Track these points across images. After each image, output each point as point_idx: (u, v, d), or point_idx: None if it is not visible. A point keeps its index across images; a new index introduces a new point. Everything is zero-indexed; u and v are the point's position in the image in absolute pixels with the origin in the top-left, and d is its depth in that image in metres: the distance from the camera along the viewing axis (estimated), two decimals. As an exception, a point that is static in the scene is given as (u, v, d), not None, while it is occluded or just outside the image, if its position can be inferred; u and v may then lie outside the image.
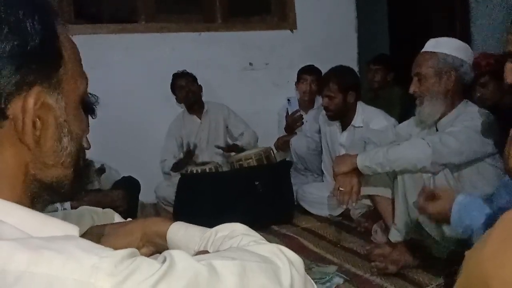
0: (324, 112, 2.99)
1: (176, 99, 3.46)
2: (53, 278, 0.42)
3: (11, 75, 0.48)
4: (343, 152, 2.89)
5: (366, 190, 2.31)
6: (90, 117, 1.73)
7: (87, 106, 1.58)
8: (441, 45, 2.06)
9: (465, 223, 1.34)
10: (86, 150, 0.61)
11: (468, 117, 1.99)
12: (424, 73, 2.04)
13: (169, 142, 3.46)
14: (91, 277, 0.42)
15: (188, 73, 3.39)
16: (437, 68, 2.02)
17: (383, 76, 3.66)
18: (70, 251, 0.44)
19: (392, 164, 1.97)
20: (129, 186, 2.66)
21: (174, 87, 3.41)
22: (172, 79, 3.40)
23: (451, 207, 1.38)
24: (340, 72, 2.83)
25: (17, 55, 0.49)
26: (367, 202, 2.51)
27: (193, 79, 3.40)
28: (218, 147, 3.37)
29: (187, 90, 3.37)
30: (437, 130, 2.09)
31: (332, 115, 2.84)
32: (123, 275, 0.43)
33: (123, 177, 2.83)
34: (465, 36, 3.42)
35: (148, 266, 0.46)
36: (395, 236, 2.08)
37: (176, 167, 3.28)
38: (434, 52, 2.04)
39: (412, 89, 2.08)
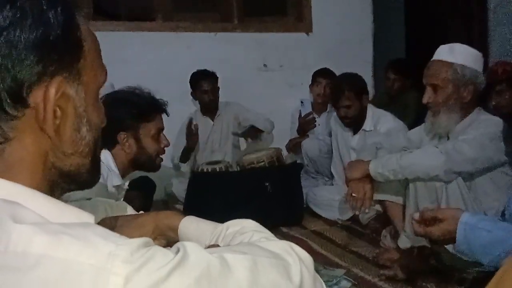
0: (335, 114, 2.98)
1: (191, 94, 3.44)
2: (70, 262, 0.43)
3: (33, 65, 0.50)
4: (354, 156, 2.88)
5: (377, 196, 2.30)
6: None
7: (160, 108, 1.63)
8: (458, 55, 1.98)
9: (472, 244, 1.28)
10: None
11: (482, 125, 1.96)
12: (441, 85, 1.98)
13: (180, 140, 3.48)
14: (108, 263, 0.43)
15: (211, 74, 3.35)
16: (455, 80, 1.96)
17: (402, 83, 3.61)
18: (87, 237, 0.45)
19: (404, 171, 1.95)
20: (145, 186, 2.67)
21: (195, 85, 3.38)
22: (195, 76, 3.36)
23: (456, 228, 1.31)
24: (350, 79, 2.84)
25: (40, 45, 0.50)
26: (377, 207, 2.50)
27: (216, 81, 3.37)
28: (235, 134, 3.33)
29: (207, 95, 3.35)
30: (448, 138, 2.07)
31: (351, 122, 2.84)
32: (139, 263, 0.44)
33: (140, 176, 2.85)
34: (482, 43, 3.39)
35: (163, 256, 0.46)
36: (405, 242, 2.06)
37: (183, 155, 3.29)
38: (451, 63, 1.98)
39: (426, 99, 2.02)
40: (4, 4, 0.49)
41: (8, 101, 0.49)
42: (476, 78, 1.98)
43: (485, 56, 3.29)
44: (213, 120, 3.49)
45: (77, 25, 0.54)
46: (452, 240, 1.33)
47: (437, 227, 1.37)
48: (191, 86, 3.40)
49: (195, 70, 3.38)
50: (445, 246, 1.69)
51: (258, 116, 3.48)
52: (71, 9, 0.54)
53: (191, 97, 3.48)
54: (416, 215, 1.44)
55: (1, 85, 0.49)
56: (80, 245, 0.44)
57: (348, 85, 2.78)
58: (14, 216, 0.46)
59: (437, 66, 2.00)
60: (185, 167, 3.32)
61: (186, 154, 3.29)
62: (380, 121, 2.76)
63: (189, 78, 3.41)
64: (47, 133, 0.52)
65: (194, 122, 3.46)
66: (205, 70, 3.35)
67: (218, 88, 3.41)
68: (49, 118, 0.51)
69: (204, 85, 3.34)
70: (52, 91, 0.51)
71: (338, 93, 2.81)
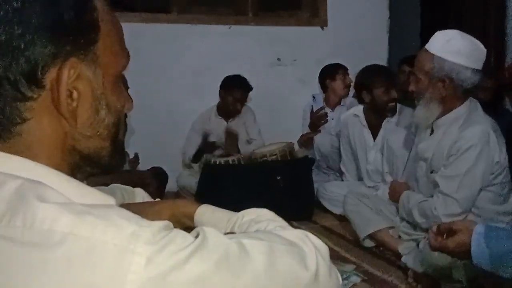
0: (351, 112, 2.95)
1: (220, 93, 3.33)
2: (95, 241, 0.44)
3: (47, 46, 0.50)
4: (372, 156, 2.85)
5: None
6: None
7: None
8: (440, 47, 1.86)
9: (488, 254, 1.24)
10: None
11: (467, 146, 1.85)
12: (418, 76, 1.93)
13: (192, 136, 3.46)
14: (131, 243, 0.44)
15: (247, 86, 3.28)
16: (431, 73, 1.88)
17: None
18: (111, 218, 0.46)
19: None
20: (158, 175, 2.72)
21: (227, 88, 3.30)
22: (231, 81, 3.28)
23: (470, 239, 1.28)
24: None
25: (53, 26, 0.50)
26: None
27: (248, 93, 3.31)
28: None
29: (235, 104, 3.31)
30: (432, 131, 2.01)
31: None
32: (161, 244, 0.45)
33: (153, 167, 2.88)
34: (499, 40, 3.34)
35: (183, 239, 0.47)
36: (406, 259, 2.04)
37: (195, 157, 3.30)
38: (431, 54, 1.88)
39: (410, 88, 2.00)
40: None
41: (23, 81, 0.50)
42: (458, 74, 1.84)
43: (502, 55, 3.25)
44: (227, 122, 3.47)
45: (93, 6, 0.54)
46: (468, 252, 1.28)
47: (451, 239, 1.34)
48: (223, 86, 3.32)
49: (230, 74, 3.29)
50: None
51: (258, 137, 3.44)
52: None
53: (218, 95, 3.37)
54: (434, 228, 1.42)
55: (14, 65, 0.49)
56: (105, 225, 0.45)
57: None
58: (39, 195, 0.47)
59: (421, 56, 1.95)
60: (196, 166, 3.32)
61: (199, 155, 3.27)
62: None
63: (213, 74, 3.35)
64: (62, 114, 0.52)
65: (208, 120, 3.46)
66: (243, 79, 3.27)
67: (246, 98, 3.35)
68: (62, 99, 0.51)
69: (237, 93, 3.28)
70: (65, 72, 0.51)
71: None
